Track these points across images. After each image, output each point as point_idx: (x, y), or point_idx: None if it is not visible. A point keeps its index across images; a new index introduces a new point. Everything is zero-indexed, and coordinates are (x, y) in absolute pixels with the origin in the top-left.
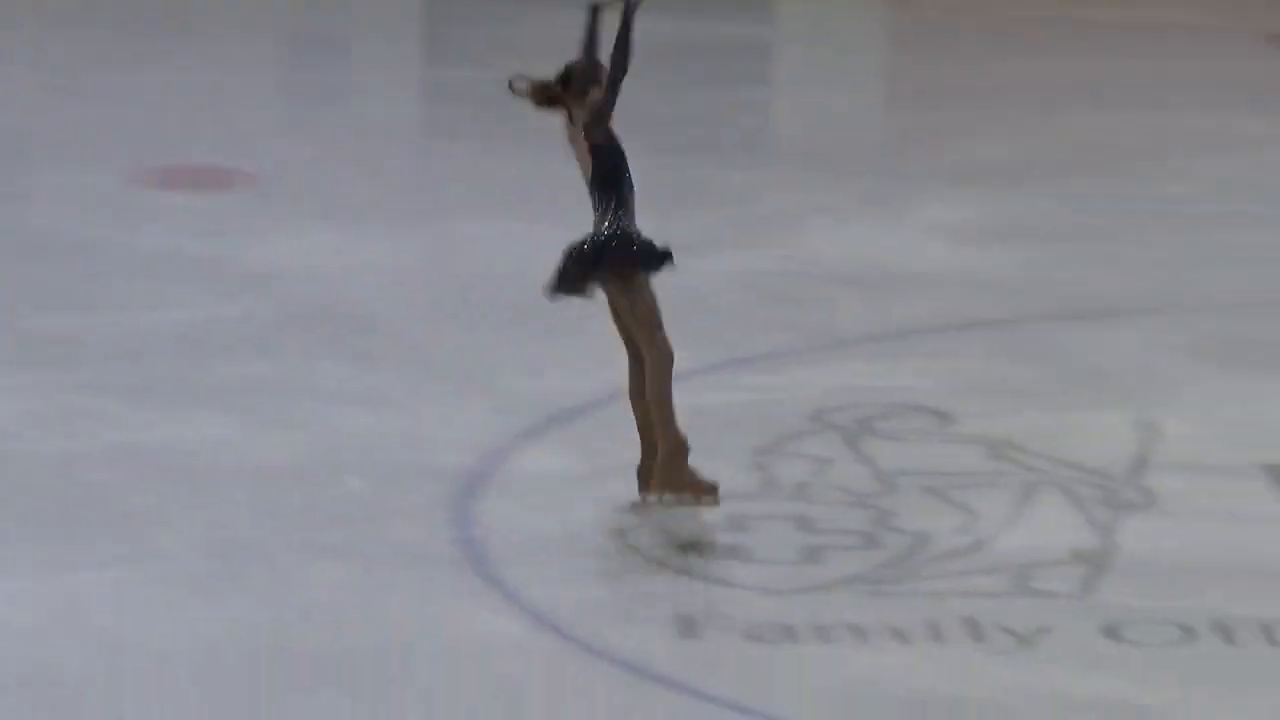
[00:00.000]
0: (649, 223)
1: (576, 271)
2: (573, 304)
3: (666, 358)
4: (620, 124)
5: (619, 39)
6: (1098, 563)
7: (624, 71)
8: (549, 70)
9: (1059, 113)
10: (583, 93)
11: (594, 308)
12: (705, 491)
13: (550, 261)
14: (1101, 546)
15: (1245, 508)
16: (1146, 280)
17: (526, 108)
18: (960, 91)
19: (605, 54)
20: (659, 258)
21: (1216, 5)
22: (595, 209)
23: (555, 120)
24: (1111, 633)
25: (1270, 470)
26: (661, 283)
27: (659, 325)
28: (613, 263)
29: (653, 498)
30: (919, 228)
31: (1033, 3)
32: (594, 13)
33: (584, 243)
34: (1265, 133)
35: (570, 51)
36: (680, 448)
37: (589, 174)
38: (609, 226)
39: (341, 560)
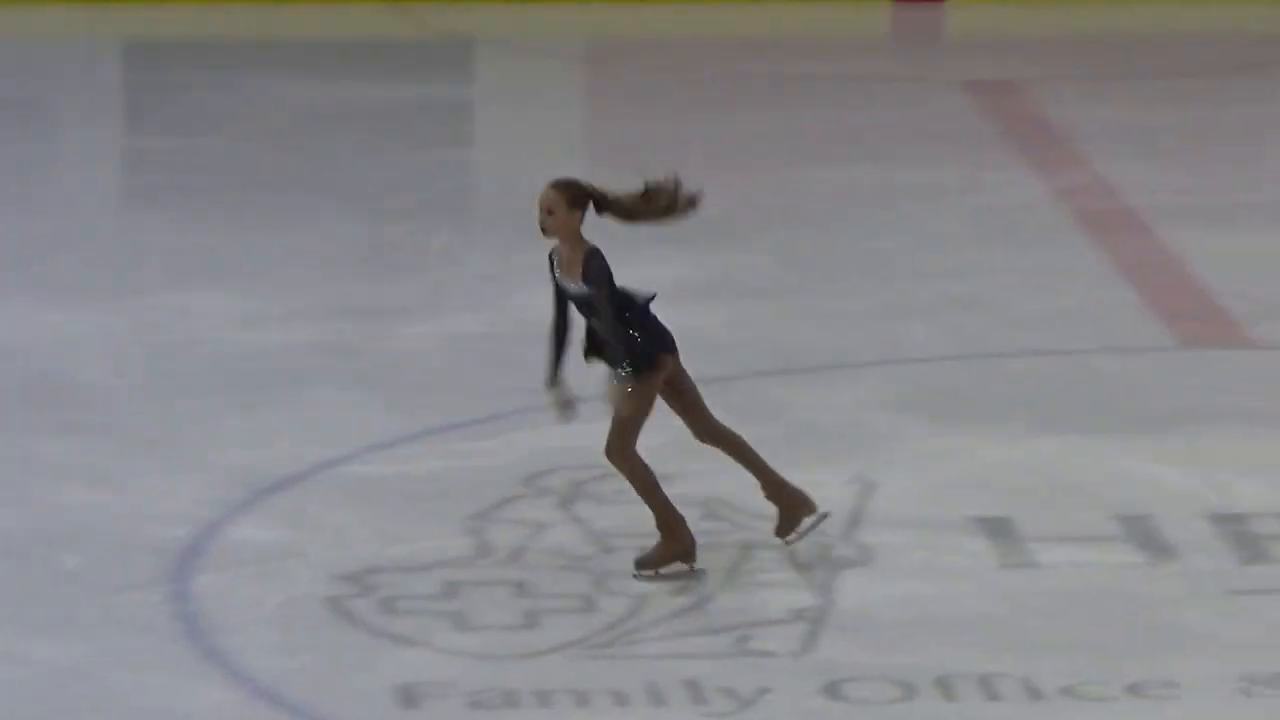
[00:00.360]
0: (357, 288)
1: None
2: (285, 375)
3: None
4: (323, 189)
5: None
6: (816, 620)
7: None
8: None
9: (764, 167)
10: None
11: (306, 378)
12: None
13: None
14: (820, 604)
15: (961, 562)
16: (858, 334)
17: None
18: (664, 148)
19: None
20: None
21: (915, 56)
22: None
23: (258, 190)
24: (832, 691)
25: (984, 523)
26: (369, 347)
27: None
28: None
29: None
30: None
31: (731, 58)
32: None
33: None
34: (966, 183)
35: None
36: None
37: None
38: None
39: (61, 637)
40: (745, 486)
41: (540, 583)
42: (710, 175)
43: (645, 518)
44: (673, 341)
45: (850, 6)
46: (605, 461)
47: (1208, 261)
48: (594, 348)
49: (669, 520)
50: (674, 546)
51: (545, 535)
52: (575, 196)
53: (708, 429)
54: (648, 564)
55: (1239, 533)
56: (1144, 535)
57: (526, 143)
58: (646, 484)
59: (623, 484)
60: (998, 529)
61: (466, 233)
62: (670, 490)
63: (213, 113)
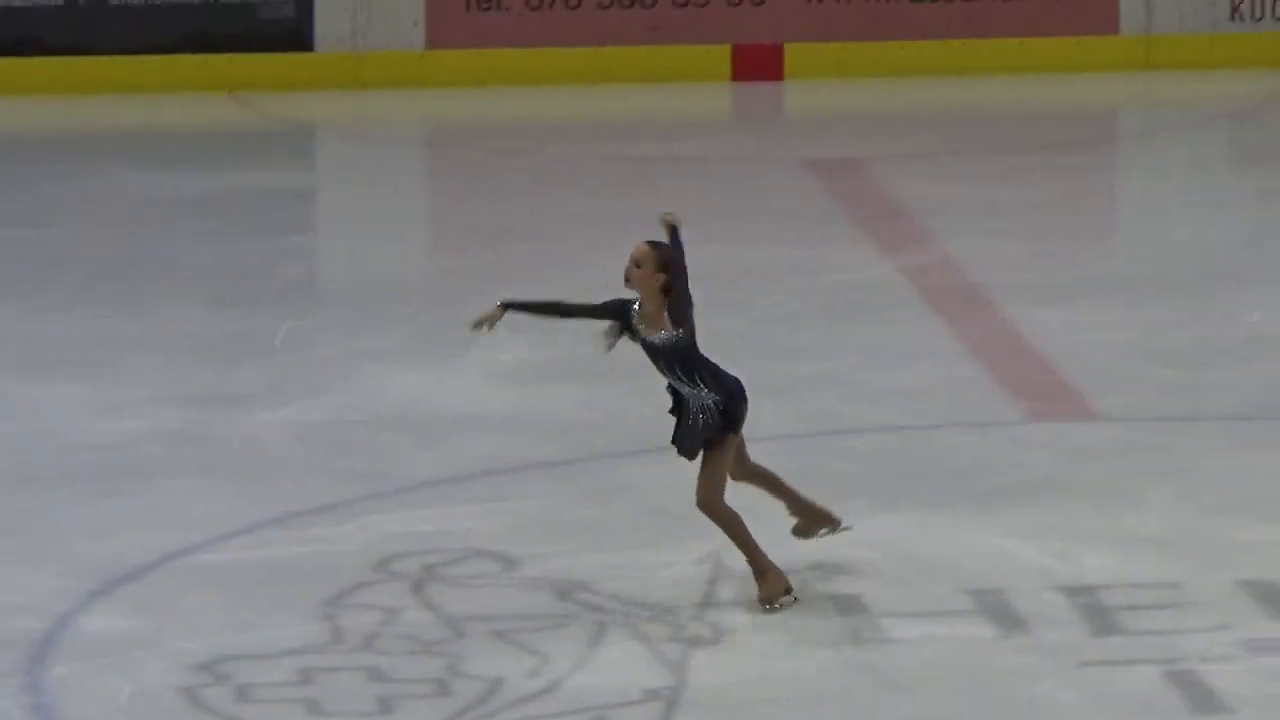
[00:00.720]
0: (205, 376)
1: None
2: (135, 464)
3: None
4: (170, 277)
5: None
6: (671, 701)
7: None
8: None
9: (608, 248)
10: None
11: (156, 467)
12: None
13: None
14: (674, 684)
15: (814, 639)
16: None
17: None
18: (508, 231)
19: None
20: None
21: (756, 135)
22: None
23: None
24: None
25: (836, 600)
26: (218, 434)
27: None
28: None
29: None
30: (474, 369)
31: (572, 141)
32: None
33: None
34: (812, 261)
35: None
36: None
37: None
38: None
39: None
40: (600, 567)
41: (394, 668)
42: (554, 257)
43: (498, 601)
44: (744, 391)
45: (689, 87)
46: (456, 545)
47: (1052, 336)
48: (678, 404)
49: (759, 564)
50: (774, 583)
51: (398, 620)
52: (663, 262)
53: (746, 468)
54: (767, 599)
55: (1089, 604)
56: (995, 609)
57: (369, 227)
58: (737, 532)
59: (475, 567)
60: (850, 606)
61: (312, 318)
62: (525, 572)
63: (60, 203)
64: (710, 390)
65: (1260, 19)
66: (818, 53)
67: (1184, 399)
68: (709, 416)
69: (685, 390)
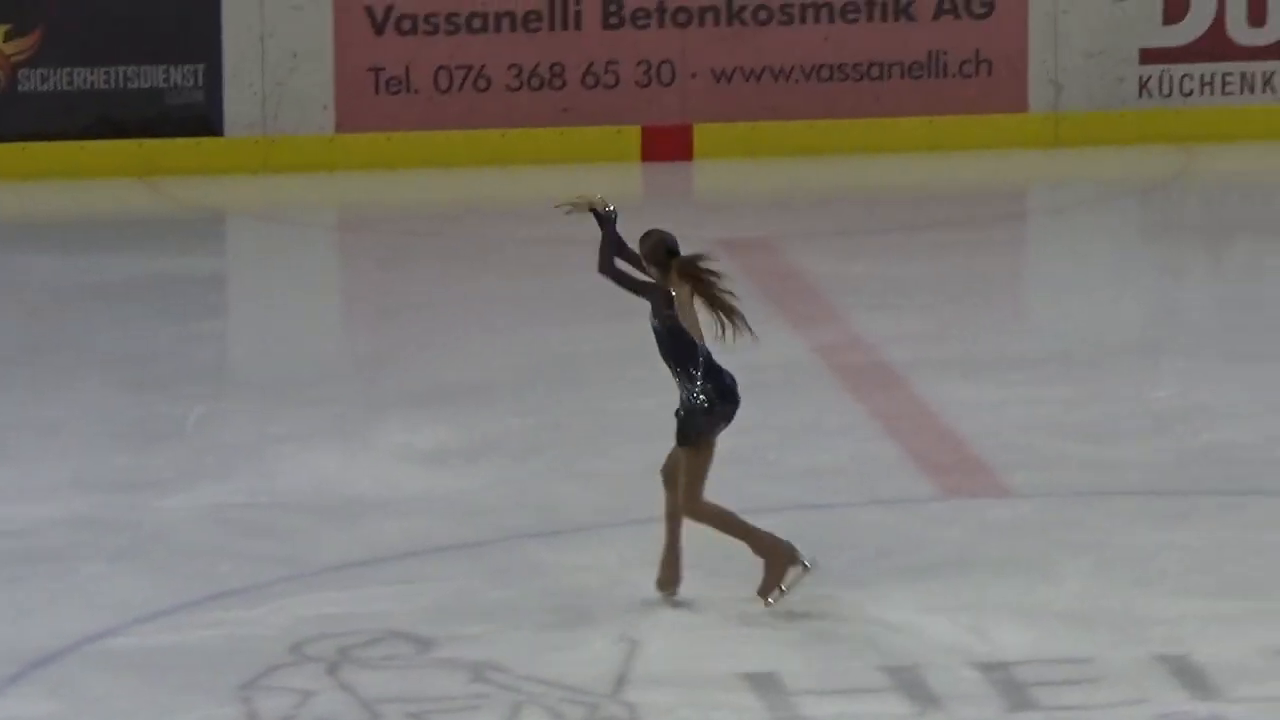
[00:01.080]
0: (117, 460)
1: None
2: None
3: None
4: (82, 363)
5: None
6: None
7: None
8: None
9: (522, 329)
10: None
11: (69, 551)
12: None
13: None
14: None
15: (728, 718)
16: (620, 493)
17: None
18: (420, 312)
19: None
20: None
21: (666, 214)
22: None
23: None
24: None
25: (751, 679)
26: (130, 518)
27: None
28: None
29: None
30: (387, 451)
31: (484, 223)
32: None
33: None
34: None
35: None
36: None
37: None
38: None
39: None
40: (516, 648)
41: None
42: (468, 339)
43: (413, 683)
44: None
45: (600, 168)
46: (371, 626)
47: (964, 412)
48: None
49: (760, 543)
50: (779, 560)
51: (313, 702)
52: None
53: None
54: (768, 589)
55: (1004, 680)
56: (911, 685)
57: (281, 311)
58: (727, 523)
59: (390, 649)
60: (765, 684)
61: (224, 402)
62: (440, 653)
63: None
64: (692, 386)
65: (1168, 95)
66: (727, 133)
67: (1095, 474)
68: (682, 413)
69: (675, 382)
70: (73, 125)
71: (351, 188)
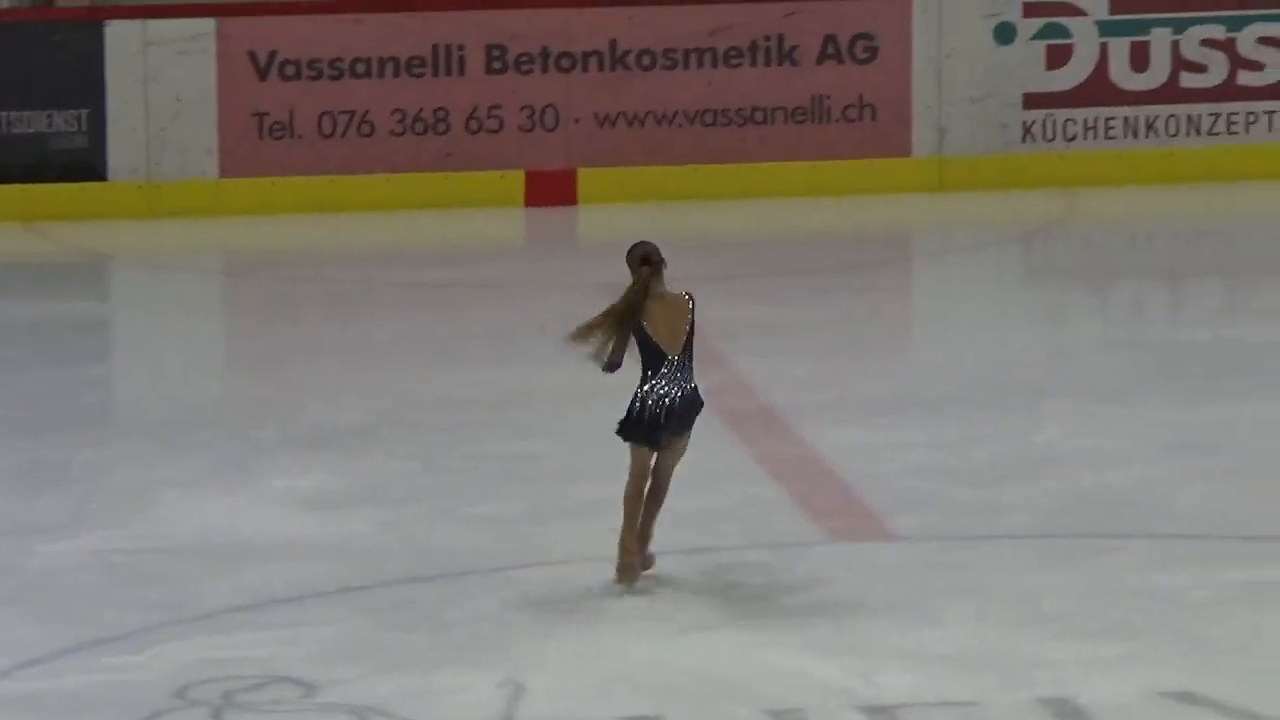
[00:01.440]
0: (2, 505)
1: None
2: None
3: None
4: None
5: None
6: None
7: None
8: None
9: (403, 374)
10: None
11: None
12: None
13: None
14: None
15: None
16: (504, 537)
17: None
18: (304, 356)
19: None
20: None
21: (549, 259)
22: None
23: None
24: None
25: None
26: (14, 564)
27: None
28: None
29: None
30: (271, 495)
31: (367, 267)
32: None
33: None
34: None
35: None
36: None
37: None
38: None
39: None
40: (400, 691)
41: None
42: (351, 383)
43: None
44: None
45: (483, 213)
46: (256, 670)
47: (849, 456)
48: None
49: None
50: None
51: None
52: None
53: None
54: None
55: None
56: None
57: (165, 356)
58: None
59: (274, 693)
60: None
61: (109, 447)
62: (324, 697)
63: None
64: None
65: (1051, 139)
66: (611, 177)
67: (980, 517)
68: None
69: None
70: None
71: (235, 232)
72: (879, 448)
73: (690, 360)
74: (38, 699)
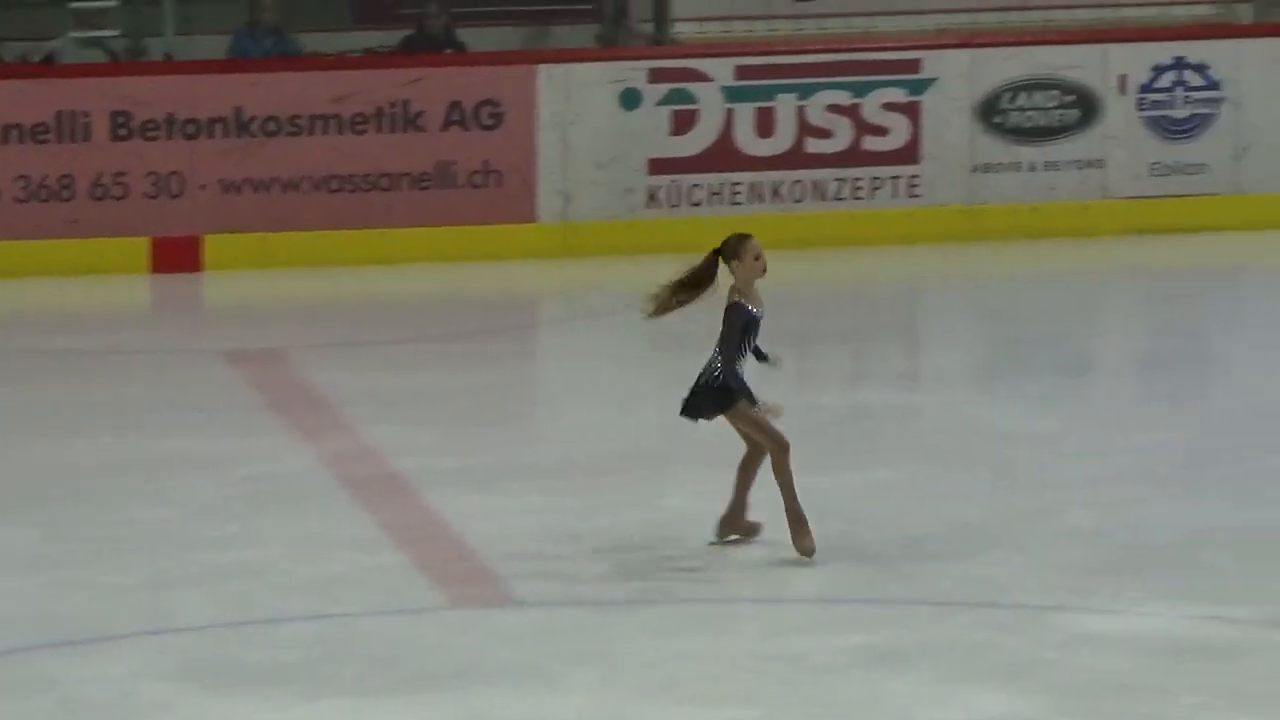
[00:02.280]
0: None
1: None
2: None
3: (780, 448)
4: None
5: None
6: None
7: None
8: None
9: (25, 442)
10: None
11: None
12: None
13: None
14: None
15: None
16: (127, 606)
17: None
18: None
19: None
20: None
21: (175, 326)
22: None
23: None
24: None
25: None
26: None
27: (767, 428)
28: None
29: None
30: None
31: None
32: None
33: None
34: (232, 452)
35: None
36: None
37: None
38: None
39: None
40: None
41: None
42: None
43: None
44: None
45: (109, 280)
46: None
47: (473, 522)
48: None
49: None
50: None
51: None
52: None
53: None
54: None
55: None
56: None
57: None
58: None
59: None
60: None
61: None
62: None
63: None
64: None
65: (676, 205)
66: (237, 244)
67: (604, 584)
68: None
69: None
70: None
71: None
72: (504, 513)
73: (720, 348)
74: None
